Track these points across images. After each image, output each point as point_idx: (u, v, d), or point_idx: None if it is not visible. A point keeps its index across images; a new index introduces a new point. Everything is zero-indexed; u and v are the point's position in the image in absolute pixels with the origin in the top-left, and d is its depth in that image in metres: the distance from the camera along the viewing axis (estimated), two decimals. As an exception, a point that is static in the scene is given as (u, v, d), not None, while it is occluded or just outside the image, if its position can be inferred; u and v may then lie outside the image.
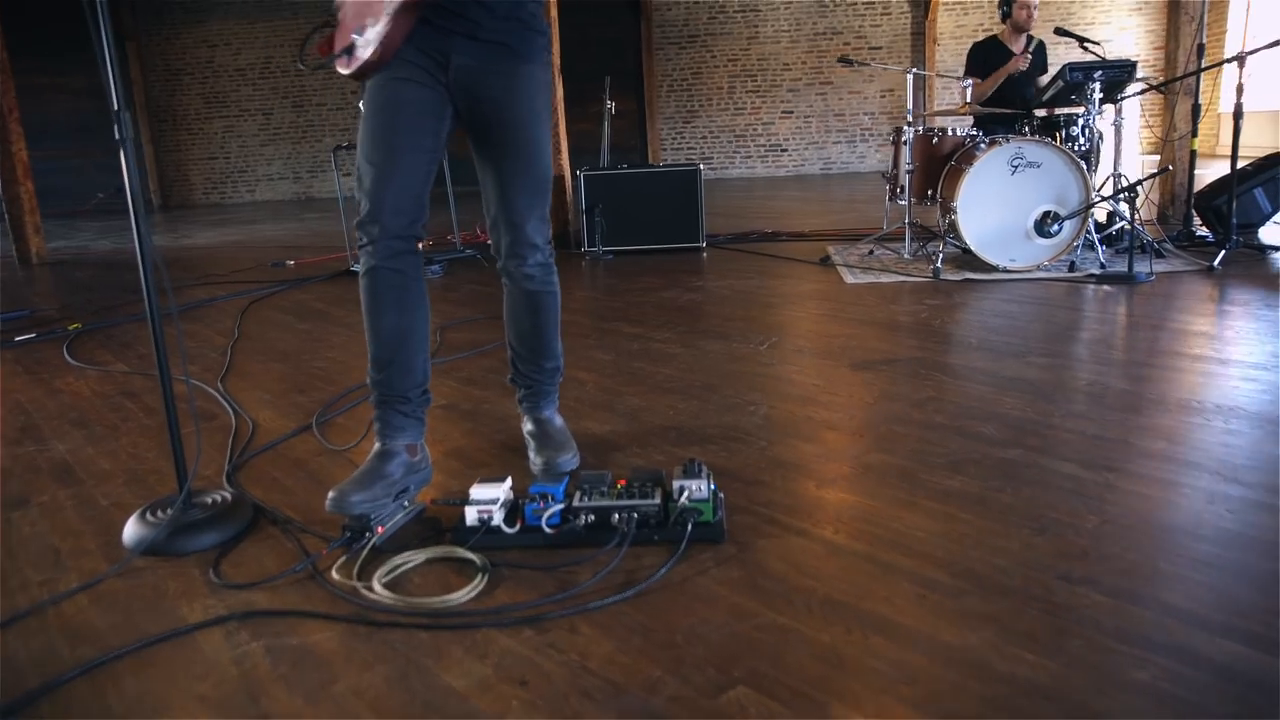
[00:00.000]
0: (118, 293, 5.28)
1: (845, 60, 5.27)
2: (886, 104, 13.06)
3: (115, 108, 1.81)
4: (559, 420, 2.36)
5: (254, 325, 4.21)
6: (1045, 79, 5.51)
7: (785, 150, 13.17)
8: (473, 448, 2.44)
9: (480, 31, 1.98)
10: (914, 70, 5.00)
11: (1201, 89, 5.38)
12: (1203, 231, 5.12)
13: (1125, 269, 4.30)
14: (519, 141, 2.06)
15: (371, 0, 2.04)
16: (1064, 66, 4.62)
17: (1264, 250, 4.69)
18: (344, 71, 2.09)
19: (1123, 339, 3.35)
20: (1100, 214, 4.94)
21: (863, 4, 12.84)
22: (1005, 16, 5.41)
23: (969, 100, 5.11)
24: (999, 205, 4.50)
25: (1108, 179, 4.94)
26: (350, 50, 2.05)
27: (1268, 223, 5.18)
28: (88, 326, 4.26)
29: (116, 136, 1.83)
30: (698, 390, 2.85)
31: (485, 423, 2.64)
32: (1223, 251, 4.44)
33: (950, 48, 12.85)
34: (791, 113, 13.11)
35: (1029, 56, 5.23)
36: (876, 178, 13.08)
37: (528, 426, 2.33)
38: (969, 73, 5.44)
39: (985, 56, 5.43)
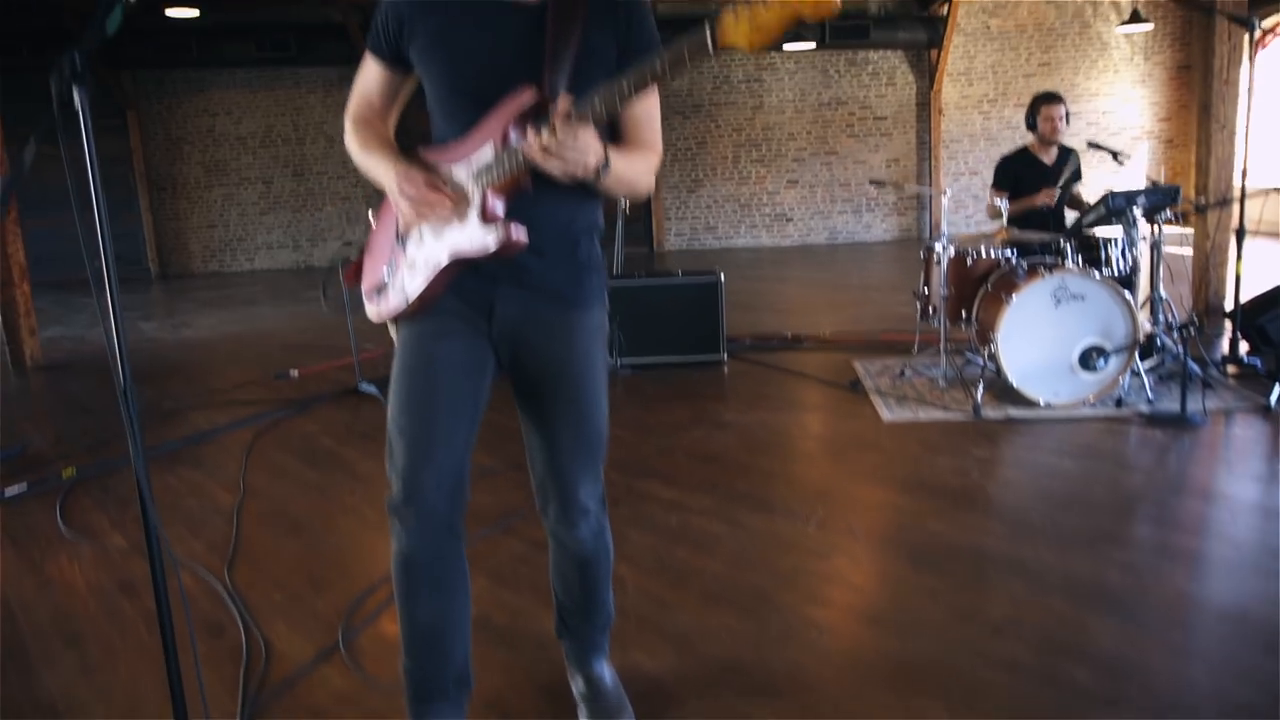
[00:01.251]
0: (114, 413, 5.04)
1: (877, 182, 5.11)
2: (892, 173, 12.97)
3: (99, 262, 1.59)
4: (610, 676, 2.12)
5: (261, 475, 3.96)
6: (1079, 186, 5.36)
7: (791, 220, 13.06)
8: (513, 695, 2.19)
9: (529, 278, 1.76)
10: (945, 191, 4.81)
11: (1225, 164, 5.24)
12: (1246, 349, 4.93)
13: (1177, 408, 4.11)
14: (571, 398, 1.83)
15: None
16: (1107, 194, 4.45)
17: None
18: (372, 314, 1.88)
19: (1198, 518, 3.13)
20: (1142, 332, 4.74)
21: (867, 74, 12.80)
22: (1032, 128, 5.25)
23: (1001, 217, 4.93)
24: (1042, 338, 4.30)
25: (1147, 301, 4.77)
26: (382, 291, 1.85)
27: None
28: (83, 473, 4.01)
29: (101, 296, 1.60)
30: (750, 600, 2.61)
31: (525, 651, 2.39)
32: (1277, 386, 4.24)
33: (955, 118, 12.80)
34: (797, 182, 13.01)
35: (1056, 193, 5.05)
36: (882, 249, 13.05)
37: (578, 686, 2.09)
38: (997, 185, 5.28)
39: (1015, 170, 5.26)
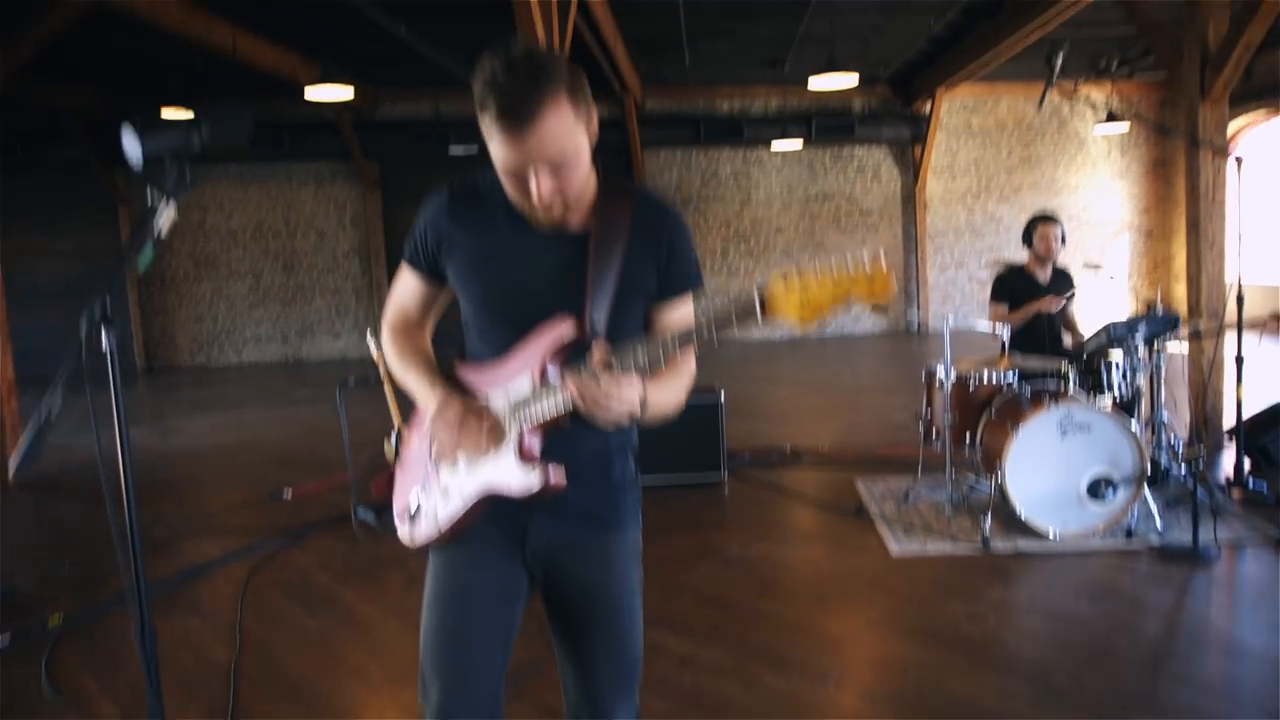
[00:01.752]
0: (105, 542, 4.90)
1: (878, 308, 5.12)
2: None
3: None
4: None
5: (257, 623, 3.83)
6: (1071, 306, 5.40)
7: (780, 312, 13.13)
8: None
9: (564, 505, 1.72)
10: (948, 318, 4.83)
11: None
12: (1248, 467, 4.92)
13: (1188, 539, 4.07)
14: (607, 622, 1.78)
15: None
16: (1108, 325, 4.48)
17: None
18: (403, 536, 1.82)
19: (1227, 680, 3.06)
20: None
21: (853, 169, 13.04)
22: (1028, 246, 5.32)
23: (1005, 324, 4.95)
24: (1049, 468, 4.28)
25: (1149, 422, 4.78)
26: (415, 516, 1.79)
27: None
28: (71, 620, 3.87)
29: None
30: (776, 786, 2.51)
31: None
32: (1286, 517, 4.23)
33: (940, 212, 13.03)
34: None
35: (1063, 301, 5.10)
36: (871, 342, 13.13)
37: None
38: (995, 299, 5.32)
39: (1012, 287, 5.31)
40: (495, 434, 1.65)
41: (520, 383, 1.65)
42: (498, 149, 1.51)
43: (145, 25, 7.72)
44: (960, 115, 12.88)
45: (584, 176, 1.59)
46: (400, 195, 12.93)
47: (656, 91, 12.58)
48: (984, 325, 5.13)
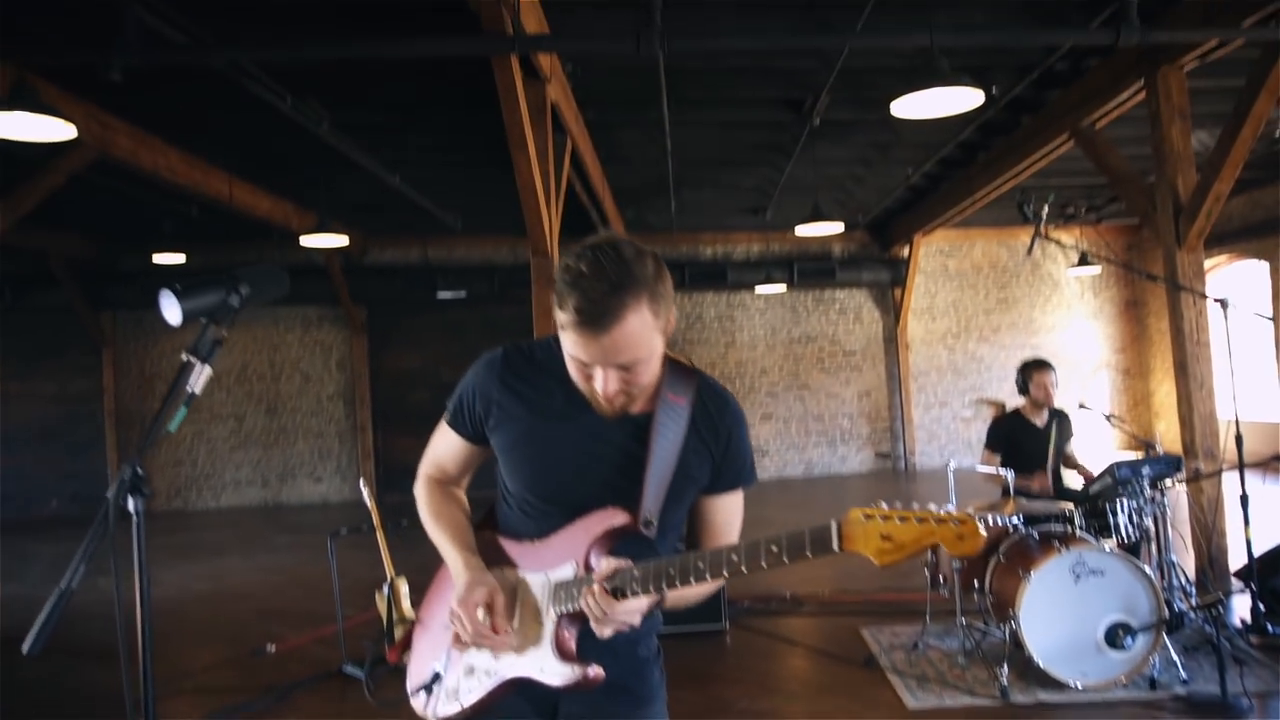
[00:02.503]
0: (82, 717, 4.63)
1: (882, 454, 5.12)
2: (865, 406, 13.21)
3: None
4: None
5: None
6: (1072, 446, 5.41)
7: (767, 453, 13.09)
8: None
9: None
10: (950, 464, 4.81)
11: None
12: (1265, 612, 4.82)
13: (1214, 688, 3.94)
14: None
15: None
16: (1111, 465, 4.48)
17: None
18: (418, 708, 1.71)
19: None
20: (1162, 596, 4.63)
21: (835, 311, 13.29)
22: (1024, 393, 5.36)
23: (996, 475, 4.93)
24: (1064, 616, 4.17)
25: (1158, 565, 4.71)
26: (430, 687, 1.68)
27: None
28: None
29: None
30: None
31: None
32: (1311, 665, 4.12)
33: (922, 352, 13.23)
34: (771, 416, 13.17)
35: (1048, 478, 5.13)
36: (859, 481, 13.04)
37: None
38: (991, 448, 5.32)
39: (1008, 433, 5.33)
40: (527, 630, 1.59)
41: (563, 570, 1.59)
42: (570, 344, 1.49)
43: (144, 176, 7.90)
44: (937, 259, 13.27)
45: (653, 373, 1.58)
46: (387, 339, 12.99)
47: (643, 238, 12.84)
48: (985, 468, 5.11)
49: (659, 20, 4.69)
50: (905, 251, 12.68)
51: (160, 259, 10.94)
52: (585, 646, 1.59)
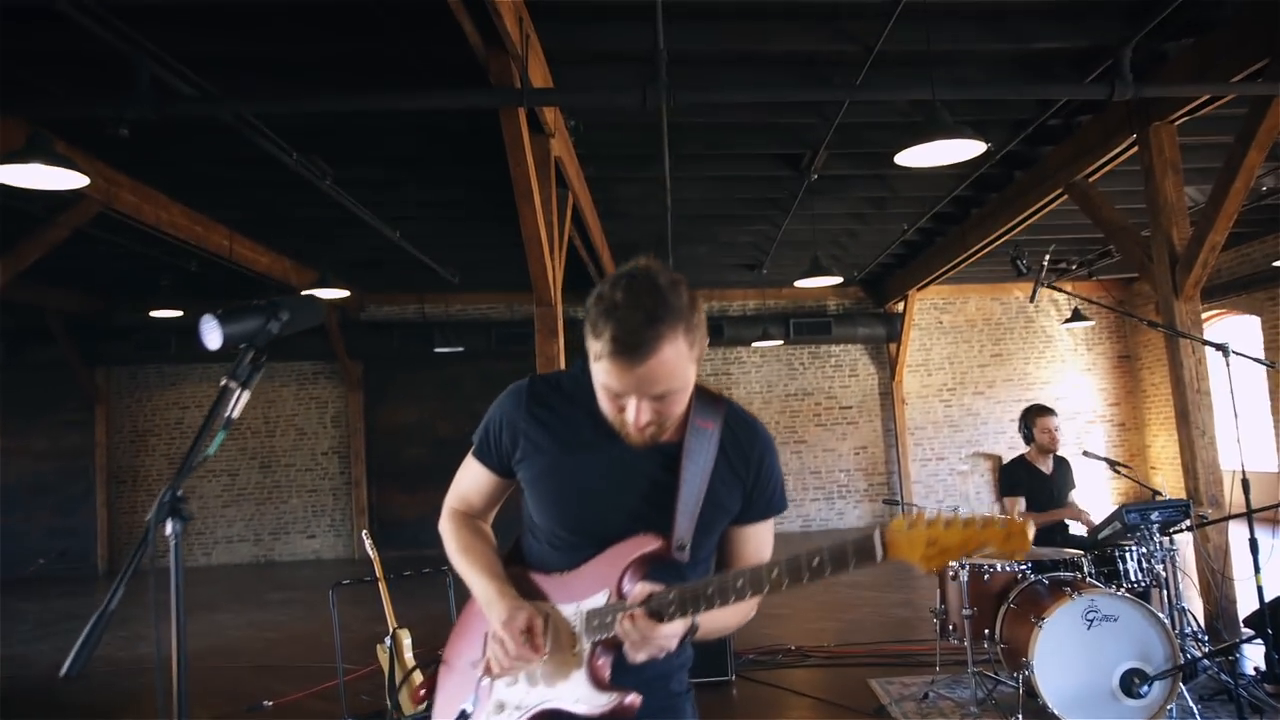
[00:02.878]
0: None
1: (891, 501, 5.11)
2: (861, 460, 13.20)
3: None
4: None
5: None
6: (1074, 494, 5.42)
7: (765, 507, 13.01)
8: None
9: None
10: (958, 509, 4.80)
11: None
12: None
13: (1233, 741, 3.89)
14: None
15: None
16: (1120, 509, 4.48)
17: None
18: None
19: None
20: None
21: (830, 366, 13.35)
22: (1028, 440, 5.38)
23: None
24: (1077, 663, 4.12)
25: (1170, 611, 4.67)
26: None
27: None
28: None
29: None
30: None
31: None
32: (1328, 713, 4.07)
33: (918, 406, 13.26)
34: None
35: (1087, 515, 5.15)
36: (855, 537, 12.85)
37: None
38: (1009, 493, 5.32)
39: (1020, 477, 5.34)
40: (563, 656, 1.57)
41: (596, 599, 1.57)
42: (604, 373, 1.48)
43: (146, 231, 7.96)
44: (931, 314, 13.38)
45: (684, 403, 1.57)
46: (382, 395, 12.97)
47: (638, 292, 13.02)
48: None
49: (664, 74, 4.80)
50: (900, 306, 12.79)
51: (157, 314, 10.94)
52: (619, 679, 1.56)
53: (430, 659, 1.83)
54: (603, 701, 1.51)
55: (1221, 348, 4.73)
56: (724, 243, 10.43)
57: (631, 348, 1.41)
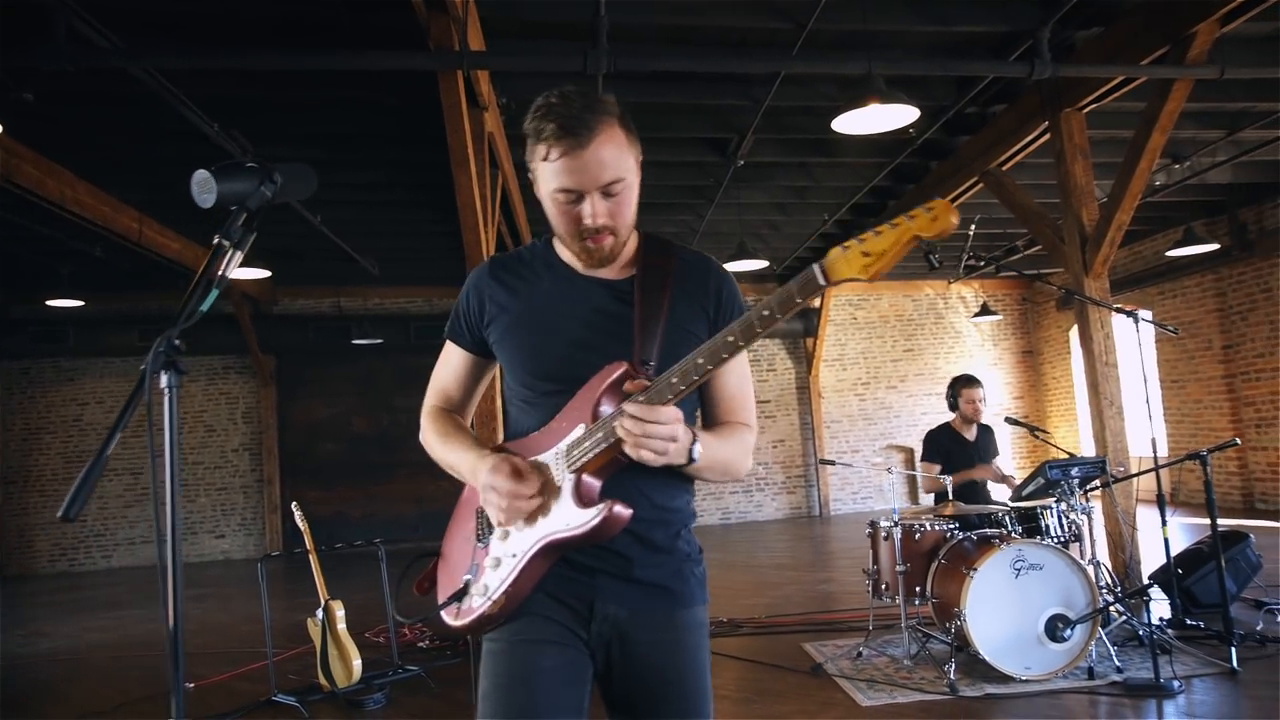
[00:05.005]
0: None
1: (825, 461, 5.25)
2: (779, 454, 13.44)
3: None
4: None
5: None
6: (997, 461, 5.64)
7: (686, 500, 13.12)
8: None
9: (634, 570, 1.62)
10: (891, 469, 4.96)
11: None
12: (1189, 614, 5.07)
13: (1147, 675, 4.11)
14: (678, 712, 1.62)
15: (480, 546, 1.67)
16: (1043, 465, 4.69)
17: (1264, 641, 4.65)
18: (452, 624, 1.65)
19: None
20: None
21: (749, 361, 13.53)
22: (954, 408, 5.59)
23: (940, 490, 5.10)
24: (1007, 610, 4.30)
25: (1089, 564, 4.90)
26: (460, 596, 1.64)
27: (1234, 602, 5.19)
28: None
29: None
30: None
31: None
32: (1233, 650, 4.33)
33: (834, 400, 13.57)
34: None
35: (998, 472, 5.39)
36: (776, 527, 13.17)
37: None
38: (929, 459, 5.51)
39: (943, 445, 5.53)
40: (552, 487, 1.56)
41: (573, 435, 1.56)
42: (553, 174, 1.52)
43: (46, 209, 7.56)
44: (846, 310, 13.73)
45: (632, 212, 1.62)
46: (296, 390, 12.62)
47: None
48: (924, 497, 5.29)
49: (605, 42, 4.84)
50: (817, 302, 13.08)
51: (55, 302, 10.42)
52: (621, 535, 1.54)
53: (423, 554, 1.81)
54: (590, 515, 1.49)
55: (1132, 315, 4.99)
56: (648, 231, 10.50)
57: (574, 131, 1.48)
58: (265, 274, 9.31)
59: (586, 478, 1.53)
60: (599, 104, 1.52)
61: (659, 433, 1.41)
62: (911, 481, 12.75)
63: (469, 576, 1.64)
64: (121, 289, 11.58)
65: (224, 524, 12.56)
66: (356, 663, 4.77)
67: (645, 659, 1.63)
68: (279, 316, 12.54)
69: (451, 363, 1.80)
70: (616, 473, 1.54)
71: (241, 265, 6.57)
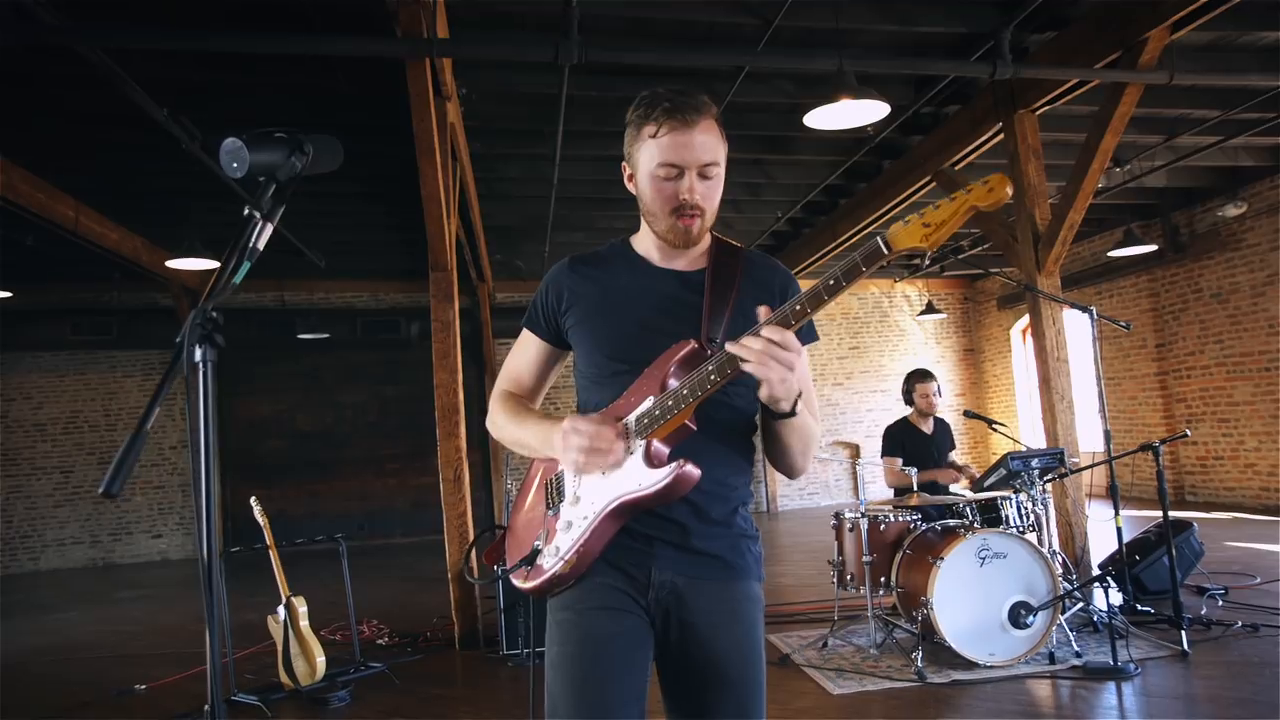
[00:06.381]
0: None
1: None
2: (728, 449, 13.52)
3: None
4: None
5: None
6: (954, 454, 5.76)
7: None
8: None
9: (690, 540, 1.67)
10: (856, 460, 5.02)
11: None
12: (1138, 601, 5.24)
13: (1105, 659, 4.24)
14: (732, 682, 1.65)
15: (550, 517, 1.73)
16: (1005, 455, 4.80)
17: (1209, 625, 4.83)
18: (522, 586, 1.71)
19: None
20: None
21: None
22: (909, 404, 5.70)
23: (902, 483, 5.18)
24: (971, 598, 4.39)
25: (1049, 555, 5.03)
26: (531, 560, 1.69)
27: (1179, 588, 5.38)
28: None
29: None
30: None
31: None
32: (1183, 634, 4.48)
33: (781, 397, 13.69)
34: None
35: (960, 476, 5.51)
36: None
37: None
38: (890, 453, 5.59)
39: (901, 439, 5.63)
40: (629, 443, 1.61)
41: (642, 407, 1.61)
42: (659, 150, 1.63)
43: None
44: (793, 308, 13.87)
45: (718, 200, 1.71)
46: (238, 386, 12.30)
47: (507, 285, 12.94)
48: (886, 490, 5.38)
49: (576, 31, 4.82)
50: (764, 300, 13.18)
51: (-9, 294, 9.98)
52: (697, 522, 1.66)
53: (491, 526, 1.87)
54: (663, 474, 1.54)
55: (1087, 310, 5.14)
56: (601, 229, 10.47)
57: (684, 112, 1.63)
58: (211, 265, 9.03)
59: (656, 443, 1.59)
60: (702, 99, 1.67)
61: (785, 358, 1.46)
62: (855, 478, 12.94)
63: (539, 542, 1.71)
64: (53, 281, 11.16)
65: (161, 524, 12.20)
66: (320, 660, 4.67)
67: (696, 628, 1.66)
68: (221, 310, 12.18)
69: (527, 350, 1.88)
70: (680, 445, 1.59)
71: (183, 256, 6.35)
